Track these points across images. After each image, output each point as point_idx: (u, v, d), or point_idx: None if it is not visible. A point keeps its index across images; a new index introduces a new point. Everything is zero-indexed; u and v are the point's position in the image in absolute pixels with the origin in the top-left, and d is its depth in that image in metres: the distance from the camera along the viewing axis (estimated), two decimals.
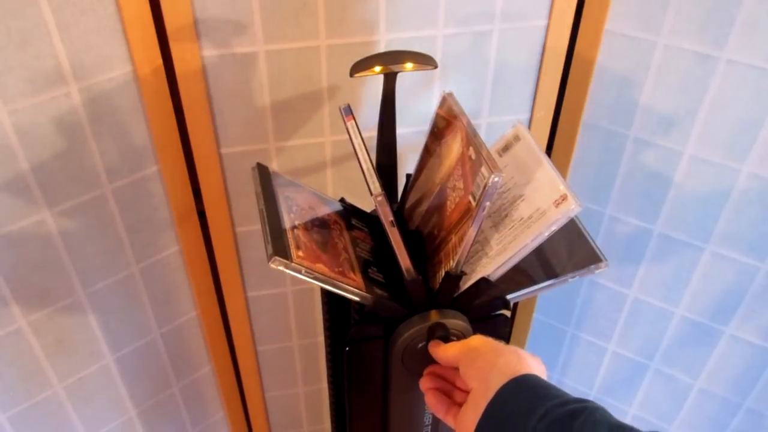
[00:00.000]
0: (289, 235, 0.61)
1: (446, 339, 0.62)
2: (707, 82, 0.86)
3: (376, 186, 0.59)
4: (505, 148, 0.69)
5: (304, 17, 0.80)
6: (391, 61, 0.67)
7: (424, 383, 0.63)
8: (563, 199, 0.57)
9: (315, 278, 0.59)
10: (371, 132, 0.75)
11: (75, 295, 0.89)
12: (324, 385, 1.25)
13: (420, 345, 0.64)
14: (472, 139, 0.61)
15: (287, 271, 0.58)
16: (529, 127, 0.99)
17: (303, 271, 0.59)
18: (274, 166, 0.93)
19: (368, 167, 0.61)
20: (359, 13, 0.82)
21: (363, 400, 0.72)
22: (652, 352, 1.14)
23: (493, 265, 0.62)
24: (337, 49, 0.84)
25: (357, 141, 0.63)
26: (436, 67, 0.69)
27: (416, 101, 0.92)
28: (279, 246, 0.58)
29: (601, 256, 0.68)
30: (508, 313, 0.69)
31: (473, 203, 0.58)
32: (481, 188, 0.56)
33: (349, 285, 0.62)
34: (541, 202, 0.60)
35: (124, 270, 0.92)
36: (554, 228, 0.58)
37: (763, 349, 1.02)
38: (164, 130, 0.85)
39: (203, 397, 1.17)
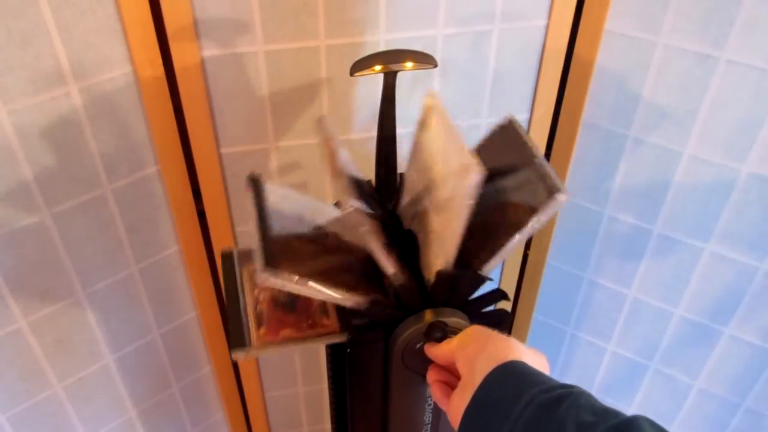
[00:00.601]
0: (250, 316, 0.65)
1: (443, 339, 0.62)
2: (707, 82, 0.86)
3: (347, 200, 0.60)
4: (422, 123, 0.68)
5: (304, 17, 0.80)
6: (392, 60, 0.67)
7: (431, 375, 0.63)
8: (465, 170, 0.55)
9: (282, 345, 0.63)
10: (371, 132, 0.75)
11: (75, 295, 0.89)
12: (324, 385, 1.25)
13: (418, 345, 0.64)
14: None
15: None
16: (529, 126, 0.99)
17: (268, 349, 0.63)
18: (274, 165, 0.93)
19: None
20: (359, 13, 0.82)
21: (363, 400, 0.72)
22: (651, 352, 1.14)
23: (448, 252, 0.61)
24: (337, 49, 0.84)
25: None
26: (436, 66, 0.69)
27: (416, 101, 0.92)
28: (237, 339, 0.63)
29: (560, 186, 0.63)
30: (508, 307, 0.69)
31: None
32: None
33: (321, 334, 0.65)
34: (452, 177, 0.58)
35: (124, 270, 0.92)
36: (469, 202, 0.56)
37: (762, 349, 1.02)
38: (164, 130, 0.85)
39: (203, 397, 1.17)
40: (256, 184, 0.69)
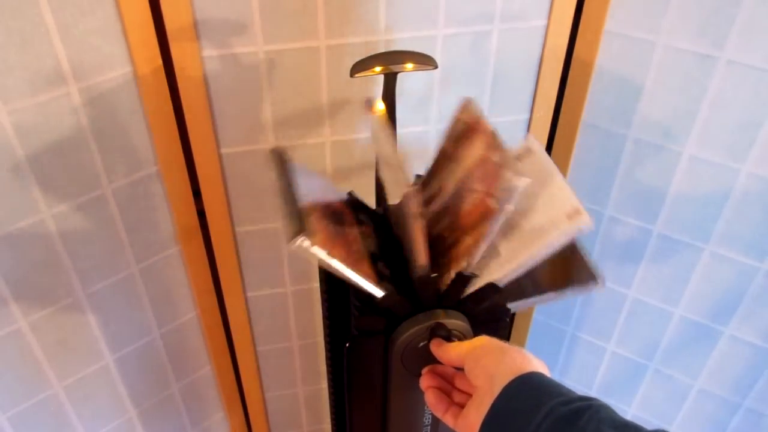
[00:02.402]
0: (307, 218, 0.60)
1: (448, 339, 0.62)
2: (707, 82, 0.86)
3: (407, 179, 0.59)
4: (517, 159, 0.69)
5: (304, 17, 0.80)
6: (391, 61, 0.67)
7: (424, 381, 0.63)
8: (576, 213, 0.58)
9: (333, 258, 0.59)
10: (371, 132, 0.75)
11: (75, 295, 0.89)
12: (324, 385, 1.25)
13: (421, 344, 0.64)
14: (496, 142, 0.61)
15: (312, 250, 0.57)
16: (529, 127, 0.99)
17: (322, 249, 0.58)
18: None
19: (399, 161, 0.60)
20: (359, 14, 0.82)
21: (363, 400, 0.72)
22: (651, 353, 1.14)
23: (500, 272, 0.62)
24: (337, 49, 0.84)
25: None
26: (435, 67, 0.69)
27: (416, 101, 0.92)
28: (294, 225, 0.58)
29: (597, 274, 0.69)
30: (507, 320, 0.69)
31: (494, 205, 0.58)
32: (504, 191, 0.57)
33: (363, 275, 0.61)
34: (554, 214, 0.61)
35: (124, 270, 0.92)
36: (564, 240, 0.59)
37: (762, 350, 1.02)
38: (164, 130, 0.85)
39: (203, 398, 1.17)
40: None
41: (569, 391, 0.51)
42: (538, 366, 0.54)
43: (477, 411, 0.53)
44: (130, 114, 0.82)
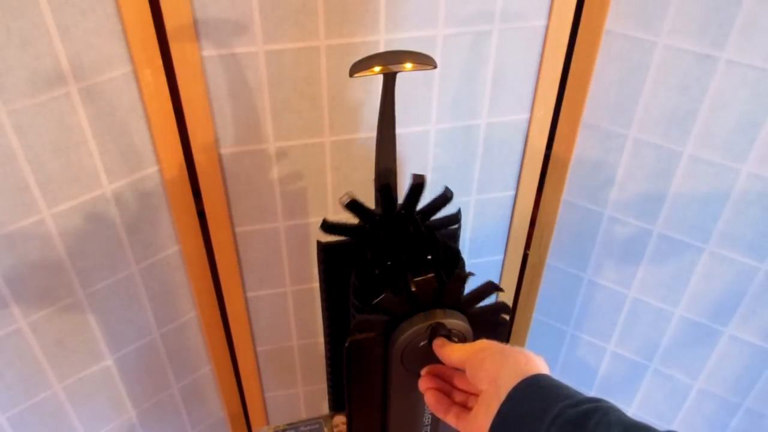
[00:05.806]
0: None
1: (449, 339, 0.62)
2: (707, 82, 0.86)
3: None
4: None
5: (304, 17, 0.80)
6: (391, 60, 0.67)
7: (423, 383, 0.63)
8: None
9: None
10: (371, 132, 0.75)
11: (75, 295, 0.89)
12: (324, 385, 1.25)
13: (421, 344, 0.64)
14: None
15: None
16: (529, 126, 0.99)
17: None
18: (273, 166, 0.93)
19: None
20: (359, 13, 0.82)
21: (363, 400, 0.72)
22: (651, 353, 1.14)
23: None
24: (337, 49, 0.84)
25: None
26: (435, 67, 0.68)
27: (416, 101, 0.92)
28: None
29: None
30: (507, 317, 0.69)
31: None
32: None
33: None
34: None
35: (123, 270, 0.92)
36: None
37: (762, 350, 1.02)
38: (164, 130, 0.85)
39: (203, 397, 1.17)
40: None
41: (576, 393, 0.50)
42: (540, 364, 0.54)
43: (485, 415, 0.53)
44: (130, 114, 0.82)
